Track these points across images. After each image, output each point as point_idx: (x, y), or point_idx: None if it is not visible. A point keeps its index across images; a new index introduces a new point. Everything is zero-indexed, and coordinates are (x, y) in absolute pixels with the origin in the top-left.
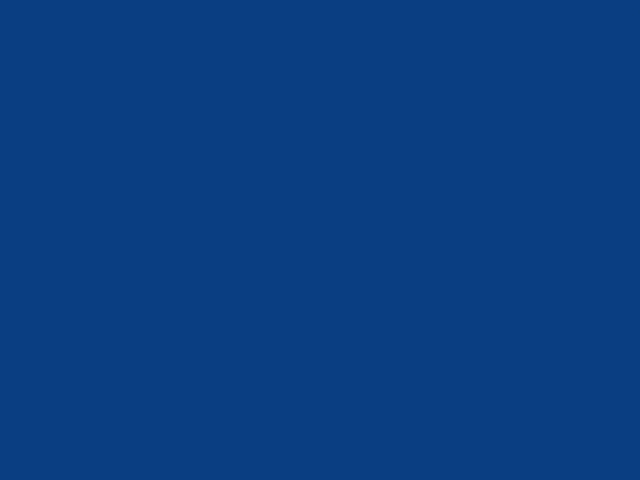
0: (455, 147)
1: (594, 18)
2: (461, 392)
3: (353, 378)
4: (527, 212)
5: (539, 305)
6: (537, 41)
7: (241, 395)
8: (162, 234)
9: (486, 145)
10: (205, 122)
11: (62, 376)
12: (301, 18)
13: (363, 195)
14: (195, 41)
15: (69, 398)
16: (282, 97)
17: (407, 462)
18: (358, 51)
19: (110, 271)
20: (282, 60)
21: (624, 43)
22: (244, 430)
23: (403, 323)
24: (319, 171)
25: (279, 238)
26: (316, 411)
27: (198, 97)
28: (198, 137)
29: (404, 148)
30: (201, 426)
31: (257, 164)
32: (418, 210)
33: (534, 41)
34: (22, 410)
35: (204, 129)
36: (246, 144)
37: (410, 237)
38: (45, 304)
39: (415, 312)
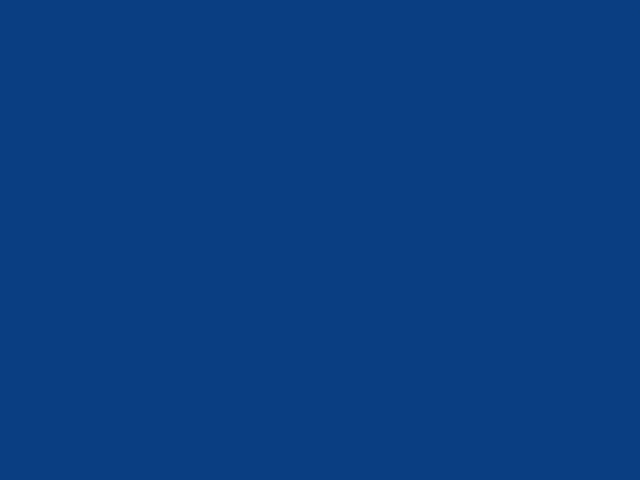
0: (455, 147)
1: (594, 18)
2: (461, 392)
3: (353, 378)
4: (527, 212)
5: (539, 305)
6: (537, 41)
7: (241, 395)
8: (162, 234)
9: (486, 145)
10: (205, 122)
11: (62, 376)
12: (301, 18)
13: (363, 195)
14: (195, 41)
15: (69, 398)
16: (282, 97)
17: (407, 462)
18: (358, 51)
19: (110, 271)
20: (282, 60)
21: (624, 43)
22: (244, 430)
23: (403, 323)
24: (319, 171)
25: (279, 238)
26: (316, 411)
27: (198, 97)
28: (198, 137)
29: (404, 148)
30: (201, 426)
31: (257, 164)
32: (418, 210)
33: (534, 41)
34: (22, 410)
35: (204, 129)
36: (246, 144)
37: (410, 237)
38: (45, 304)
39: (415, 312)
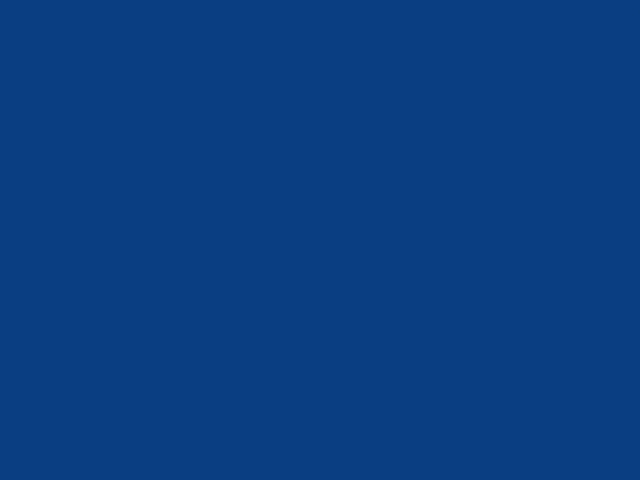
0: (455, 147)
1: (594, 18)
2: (461, 392)
3: (353, 378)
4: (527, 212)
5: (539, 305)
6: (537, 41)
7: (241, 395)
8: (162, 234)
9: (486, 145)
10: (205, 122)
11: (62, 376)
12: (301, 18)
13: (363, 195)
14: (195, 41)
15: (69, 398)
16: (282, 97)
17: (407, 462)
18: (358, 51)
19: (110, 271)
20: (282, 60)
21: (624, 43)
22: (244, 430)
23: (403, 323)
24: (319, 171)
25: (279, 238)
26: (316, 411)
27: (198, 97)
28: (198, 137)
29: (404, 148)
30: (201, 426)
31: (257, 164)
32: (418, 210)
33: (534, 41)
34: (22, 410)
35: (204, 129)
36: (246, 144)
37: (410, 237)
38: (45, 304)
39: (415, 312)
